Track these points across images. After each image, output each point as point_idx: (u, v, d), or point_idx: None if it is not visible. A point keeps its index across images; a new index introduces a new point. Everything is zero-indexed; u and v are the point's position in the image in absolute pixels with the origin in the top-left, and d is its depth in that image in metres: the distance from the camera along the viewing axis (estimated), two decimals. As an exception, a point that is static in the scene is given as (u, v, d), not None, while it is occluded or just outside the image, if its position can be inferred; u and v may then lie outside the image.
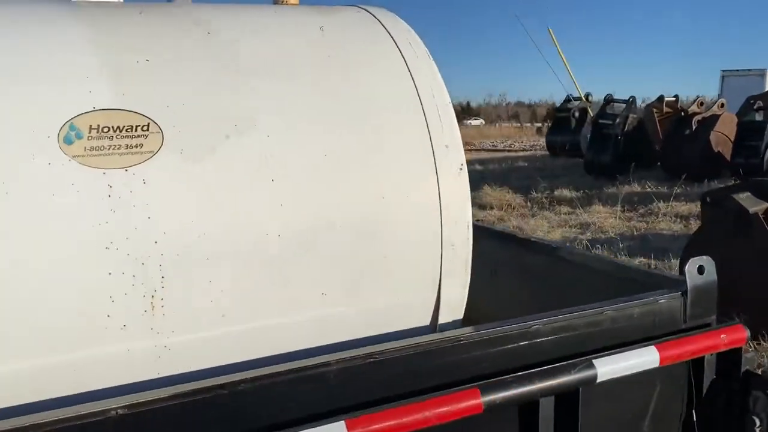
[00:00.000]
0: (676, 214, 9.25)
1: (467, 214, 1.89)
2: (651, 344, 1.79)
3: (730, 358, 1.94)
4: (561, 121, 18.17)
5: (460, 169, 1.88)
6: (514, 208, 11.74)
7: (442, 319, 1.92)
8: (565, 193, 12.64)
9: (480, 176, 16.06)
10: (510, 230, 2.93)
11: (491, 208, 11.74)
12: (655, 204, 10.06)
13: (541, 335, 1.74)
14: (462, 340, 1.65)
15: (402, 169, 1.81)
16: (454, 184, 1.86)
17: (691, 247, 5.07)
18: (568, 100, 17.99)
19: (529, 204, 12.06)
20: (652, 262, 6.44)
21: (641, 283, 2.11)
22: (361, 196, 1.76)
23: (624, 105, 14.54)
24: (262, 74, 1.73)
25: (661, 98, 15.04)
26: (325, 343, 1.72)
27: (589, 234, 8.36)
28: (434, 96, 1.89)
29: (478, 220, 11.01)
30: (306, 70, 1.80)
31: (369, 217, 1.76)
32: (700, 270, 1.96)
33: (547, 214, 10.80)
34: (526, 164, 18.04)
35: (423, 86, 1.89)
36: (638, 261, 6.56)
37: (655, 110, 14.87)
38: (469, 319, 3.28)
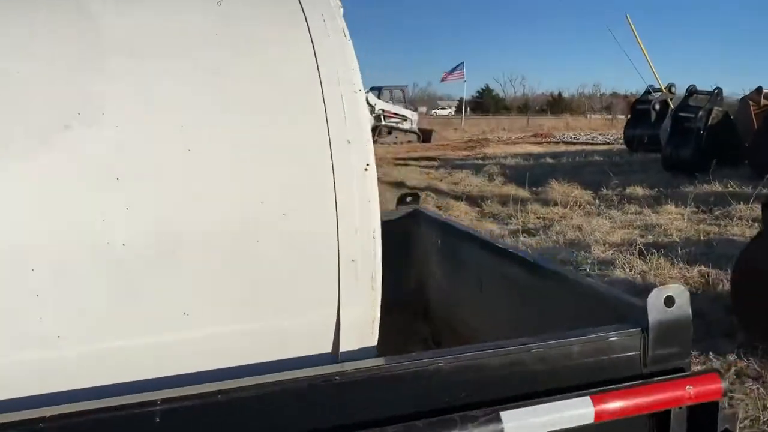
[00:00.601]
0: (754, 217, 8.40)
1: (372, 222, 1.58)
2: (585, 394, 1.43)
3: (702, 414, 1.55)
4: (640, 113, 17.08)
5: (366, 169, 1.57)
6: (580, 205, 11.10)
7: (346, 345, 1.62)
8: (638, 190, 11.85)
9: (550, 170, 15.40)
10: (494, 240, 2.57)
11: (555, 204, 11.15)
12: (733, 206, 9.20)
13: (443, 376, 1.42)
14: (336, 378, 1.36)
15: (289, 167, 1.53)
16: (355, 187, 1.56)
17: (746, 255, 4.50)
18: (648, 91, 16.90)
19: (597, 201, 11.39)
20: (711, 271, 5.81)
21: (613, 308, 1.74)
22: (235, 199, 1.48)
23: (708, 97, 13.46)
24: (127, 53, 1.49)
25: (759, 90, 13.83)
26: (186, 372, 1.46)
27: (650, 237, 7.71)
28: (340, 83, 1.59)
29: (539, 217, 10.50)
30: (182, 49, 1.54)
31: (246, 225, 1.49)
32: (669, 301, 1.57)
33: (613, 213, 10.12)
34: (601, 159, 17.14)
35: (328, 70, 1.60)
36: (696, 270, 5.95)
37: (751, 103, 13.69)
38: (455, 331, 2.98)
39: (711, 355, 4.17)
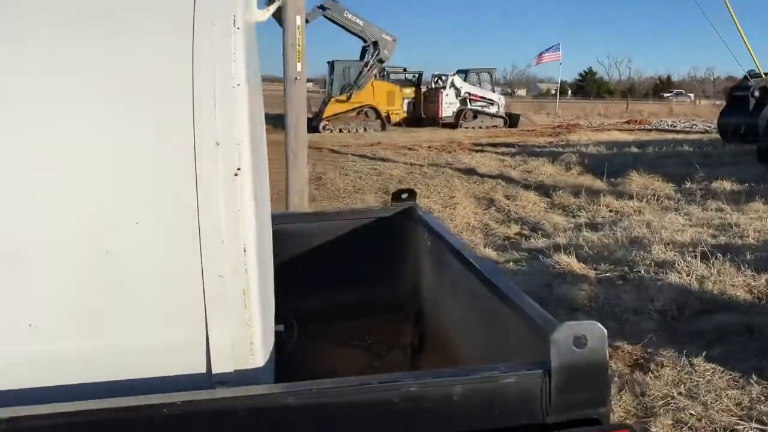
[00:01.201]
0: None
1: (244, 233, 1.42)
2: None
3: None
4: (738, 101, 15.75)
5: (236, 174, 1.41)
6: (658, 199, 10.40)
7: (220, 367, 1.48)
8: (725, 185, 10.98)
9: (632, 160, 14.58)
10: (462, 247, 2.33)
11: (631, 197, 10.51)
12: (830, 206, 8.32)
13: (288, 414, 1.25)
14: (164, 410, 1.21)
15: (144, 170, 1.38)
16: (221, 195, 1.40)
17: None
18: (746, 77, 15.55)
19: (677, 195, 10.64)
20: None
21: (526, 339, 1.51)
22: (83, 203, 1.36)
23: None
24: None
25: None
26: (28, 387, 1.37)
27: (723, 238, 7.07)
28: (216, 75, 1.43)
29: (611, 211, 9.96)
30: (25, 30, 1.41)
31: (95, 232, 1.36)
32: (579, 342, 1.32)
33: (692, 209, 9.39)
34: (690, 149, 16.02)
35: (203, 62, 1.44)
36: (765, 279, 5.37)
37: None
38: (437, 338, 2.78)
39: (753, 377, 3.72)
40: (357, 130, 25.62)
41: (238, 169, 1.41)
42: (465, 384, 1.31)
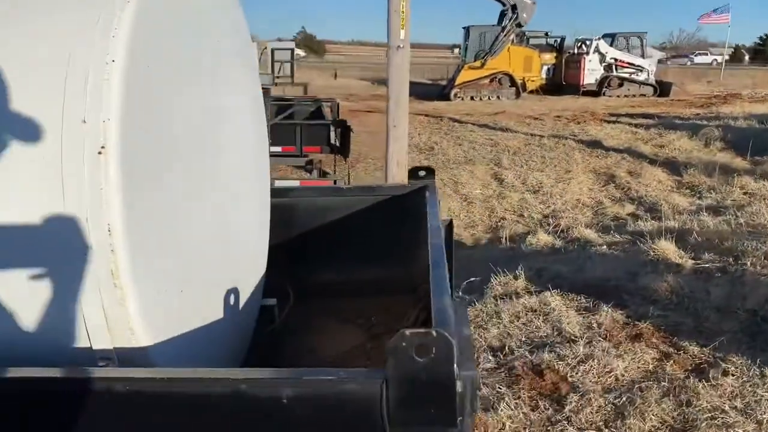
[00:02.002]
0: None
1: (108, 213, 1.40)
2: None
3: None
4: None
5: (99, 153, 1.39)
6: None
7: (99, 344, 1.49)
8: None
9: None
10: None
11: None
12: None
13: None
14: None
15: (8, 147, 1.40)
16: (86, 173, 1.39)
17: None
18: None
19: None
20: None
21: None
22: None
23: None
24: None
25: None
26: None
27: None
28: (91, 51, 1.42)
29: (745, 193, 9.00)
30: None
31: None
32: (422, 351, 1.17)
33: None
34: None
35: (82, 35, 1.43)
36: None
37: None
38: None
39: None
40: (489, 98, 25.01)
41: (102, 147, 1.39)
42: (296, 387, 1.22)
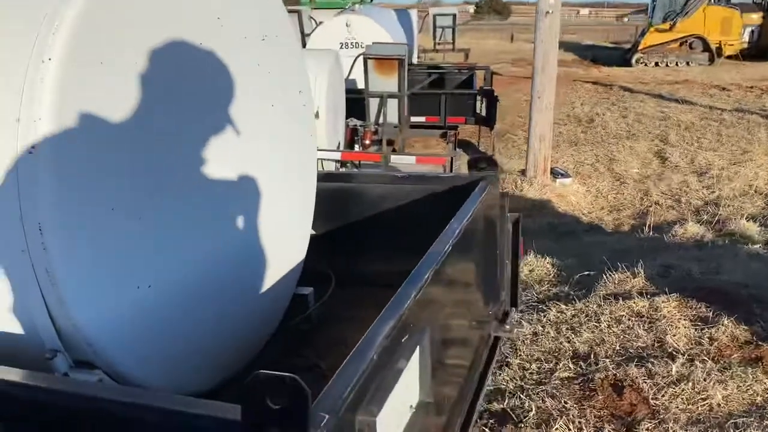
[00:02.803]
0: None
1: (41, 212, 1.41)
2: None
3: None
4: None
5: (30, 152, 1.40)
6: None
7: (50, 342, 1.53)
8: None
9: None
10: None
11: None
12: None
13: None
14: None
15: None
16: (20, 173, 1.40)
17: None
18: None
19: None
20: None
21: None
22: None
23: None
24: None
25: None
26: None
27: None
28: (33, 51, 1.42)
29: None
30: None
31: None
32: (276, 395, 1.04)
33: None
34: None
35: (25, 34, 1.44)
36: None
37: None
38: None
39: None
40: (677, 64, 22.72)
41: (32, 147, 1.40)
42: (152, 412, 1.15)
